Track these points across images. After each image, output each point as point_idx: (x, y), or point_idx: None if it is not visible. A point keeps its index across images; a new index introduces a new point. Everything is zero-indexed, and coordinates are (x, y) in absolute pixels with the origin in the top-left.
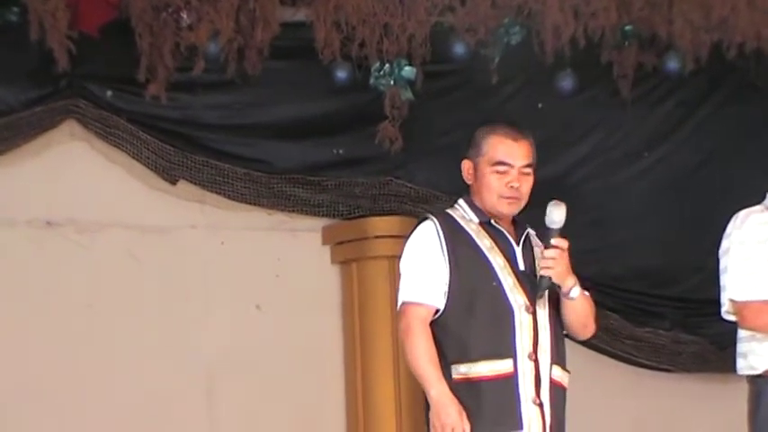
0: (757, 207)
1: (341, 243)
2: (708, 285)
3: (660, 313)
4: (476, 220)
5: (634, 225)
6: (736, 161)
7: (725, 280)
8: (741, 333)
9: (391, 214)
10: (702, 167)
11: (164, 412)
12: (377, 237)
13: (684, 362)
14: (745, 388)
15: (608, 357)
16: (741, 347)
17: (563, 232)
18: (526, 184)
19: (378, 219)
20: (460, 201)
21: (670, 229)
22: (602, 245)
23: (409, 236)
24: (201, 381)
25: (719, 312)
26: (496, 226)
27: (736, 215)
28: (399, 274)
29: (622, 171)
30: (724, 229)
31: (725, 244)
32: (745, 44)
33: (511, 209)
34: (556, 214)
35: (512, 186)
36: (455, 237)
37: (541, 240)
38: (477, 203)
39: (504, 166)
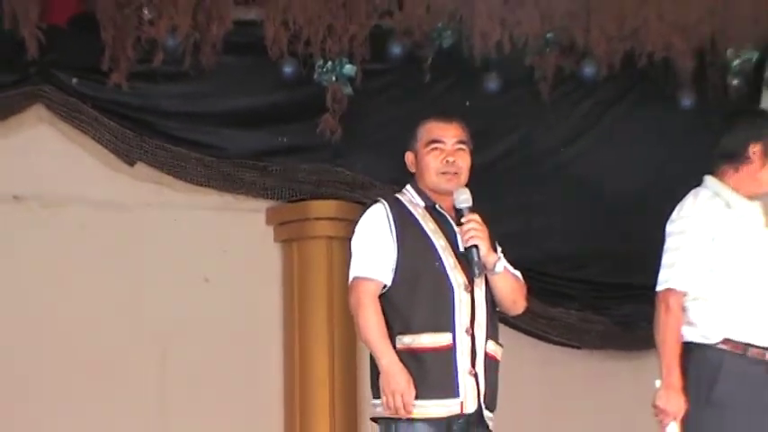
0: None
1: (283, 223)
2: (615, 270)
3: (571, 295)
4: (422, 204)
5: (552, 213)
6: (644, 160)
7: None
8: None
9: (330, 198)
10: (614, 164)
11: (120, 375)
12: (316, 218)
13: (592, 339)
14: (647, 365)
15: (524, 334)
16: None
17: (474, 210)
18: (462, 160)
19: (318, 202)
20: (408, 186)
21: (584, 218)
22: (524, 230)
23: (361, 216)
24: (155, 346)
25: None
26: (440, 210)
27: None
28: (350, 252)
29: (542, 164)
30: (634, 218)
31: None
32: (654, 54)
33: (450, 184)
34: (461, 195)
35: (447, 161)
36: (402, 219)
37: (457, 224)
38: (422, 188)
39: (437, 143)
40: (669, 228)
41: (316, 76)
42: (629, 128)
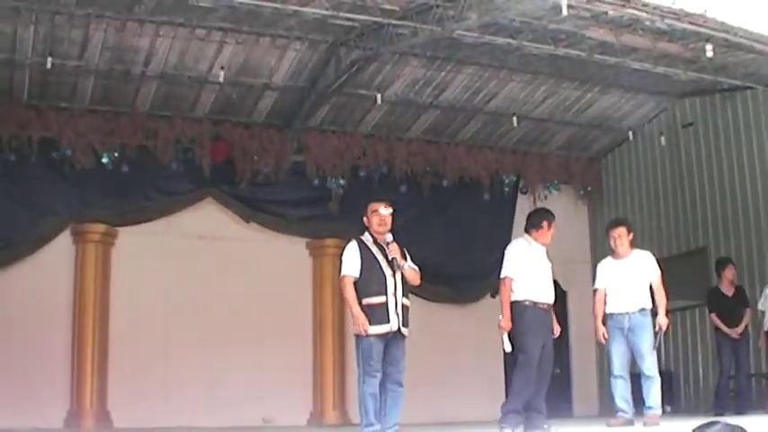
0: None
1: (313, 248)
2: (458, 271)
3: (441, 281)
4: (371, 240)
5: (430, 247)
6: (466, 223)
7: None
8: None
9: (334, 238)
10: (452, 227)
11: (236, 319)
12: (329, 246)
13: (448, 299)
14: (468, 310)
15: (418, 297)
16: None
17: (394, 241)
18: (388, 219)
19: (329, 239)
20: (366, 233)
21: (440, 250)
22: (418, 251)
23: (345, 247)
24: (257, 307)
25: (460, 279)
26: (379, 242)
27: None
28: (341, 262)
29: (424, 225)
30: (461, 253)
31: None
32: (472, 176)
33: (382, 230)
34: (388, 236)
35: (381, 219)
36: (363, 246)
37: (386, 247)
38: (371, 233)
39: (376, 212)
40: (506, 251)
41: (327, 184)
42: (461, 209)
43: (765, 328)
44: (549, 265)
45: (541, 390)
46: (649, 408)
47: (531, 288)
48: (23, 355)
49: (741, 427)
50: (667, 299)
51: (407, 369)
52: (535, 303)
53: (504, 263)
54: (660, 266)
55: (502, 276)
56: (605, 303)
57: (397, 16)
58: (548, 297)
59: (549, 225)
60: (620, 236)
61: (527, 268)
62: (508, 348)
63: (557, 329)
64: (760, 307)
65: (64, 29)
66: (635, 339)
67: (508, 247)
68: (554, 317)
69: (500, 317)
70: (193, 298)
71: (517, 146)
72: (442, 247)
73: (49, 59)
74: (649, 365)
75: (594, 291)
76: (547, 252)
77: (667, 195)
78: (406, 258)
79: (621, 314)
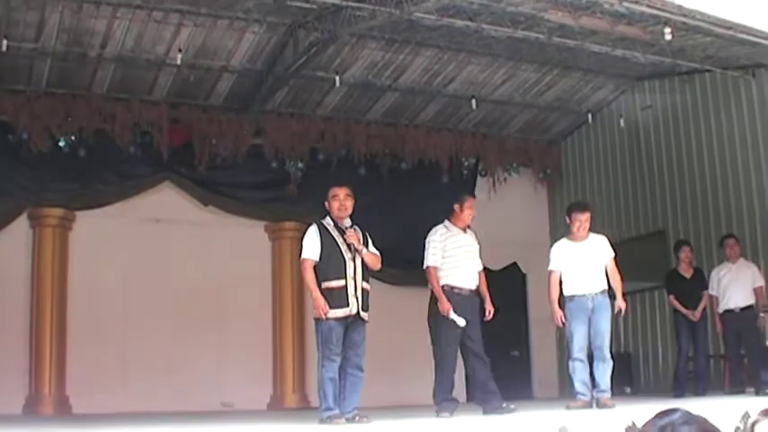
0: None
1: (272, 231)
2: (410, 257)
3: (400, 264)
4: (332, 224)
5: (389, 230)
6: (424, 204)
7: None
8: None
9: (293, 221)
10: (412, 208)
11: (195, 308)
12: (287, 230)
13: (407, 281)
14: (416, 292)
15: (377, 280)
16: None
17: (353, 224)
18: (348, 203)
19: (288, 222)
20: (327, 216)
21: (397, 232)
22: (378, 236)
23: (306, 231)
24: (215, 289)
25: (410, 263)
26: (340, 226)
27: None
28: (301, 246)
29: (382, 207)
30: (416, 236)
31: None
32: (431, 158)
33: (343, 214)
34: (346, 221)
35: (341, 204)
36: (323, 230)
37: (345, 232)
38: (332, 217)
39: (336, 196)
40: (427, 240)
41: (285, 167)
42: (420, 192)
43: (720, 311)
44: (476, 247)
45: (486, 370)
46: (603, 391)
47: (450, 274)
48: None
49: (703, 417)
50: (622, 281)
51: (367, 353)
52: (452, 288)
53: (426, 251)
54: (616, 249)
55: (425, 267)
56: (561, 285)
57: None
58: (469, 282)
59: (462, 207)
60: (586, 220)
61: (446, 254)
62: (462, 323)
63: (489, 310)
64: (712, 292)
65: (19, 11)
66: (597, 319)
67: (428, 235)
68: (486, 298)
69: (438, 304)
70: (152, 282)
71: (476, 128)
72: (401, 229)
73: (5, 42)
74: (607, 346)
75: (550, 272)
76: (476, 234)
77: (626, 178)
78: (367, 244)
79: (584, 296)
